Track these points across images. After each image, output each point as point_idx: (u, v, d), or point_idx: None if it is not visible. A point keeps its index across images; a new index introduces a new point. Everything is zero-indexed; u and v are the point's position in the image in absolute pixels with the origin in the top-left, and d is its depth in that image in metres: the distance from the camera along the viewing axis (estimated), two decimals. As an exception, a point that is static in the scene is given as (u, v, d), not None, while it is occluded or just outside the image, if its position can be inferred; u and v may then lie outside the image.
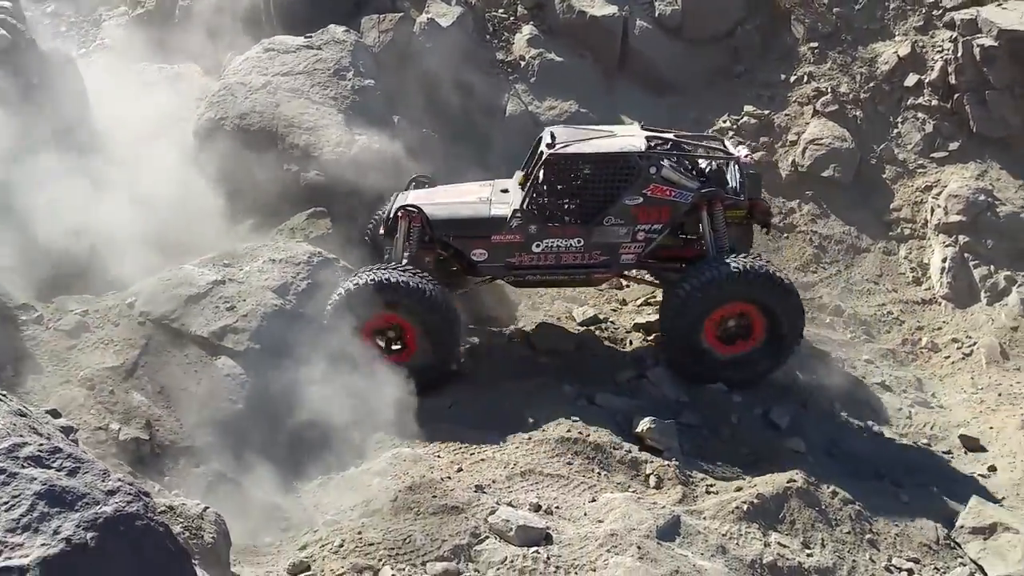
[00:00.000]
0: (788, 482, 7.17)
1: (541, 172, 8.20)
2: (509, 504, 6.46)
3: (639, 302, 10.02)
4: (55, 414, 5.56)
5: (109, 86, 11.81)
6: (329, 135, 10.27)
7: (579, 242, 8.22)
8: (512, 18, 12.30)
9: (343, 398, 7.25)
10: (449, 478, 6.77)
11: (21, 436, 4.10)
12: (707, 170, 8.63)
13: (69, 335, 7.72)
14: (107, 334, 7.75)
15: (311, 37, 11.41)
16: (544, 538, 6.23)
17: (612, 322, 9.62)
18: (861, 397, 8.96)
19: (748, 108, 11.49)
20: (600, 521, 6.45)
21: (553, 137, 8.31)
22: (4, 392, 4.57)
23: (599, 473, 7.11)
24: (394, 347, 8.16)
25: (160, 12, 14.29)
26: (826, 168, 10.99)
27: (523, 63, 11.92)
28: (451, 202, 8.62)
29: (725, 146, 8.91)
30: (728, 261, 7.90)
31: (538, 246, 8.24)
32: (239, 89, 10.92)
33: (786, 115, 11.49)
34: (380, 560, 5.83)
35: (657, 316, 8.81)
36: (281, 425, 7.37)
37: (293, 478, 7.06)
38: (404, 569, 5.77)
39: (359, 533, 6.05)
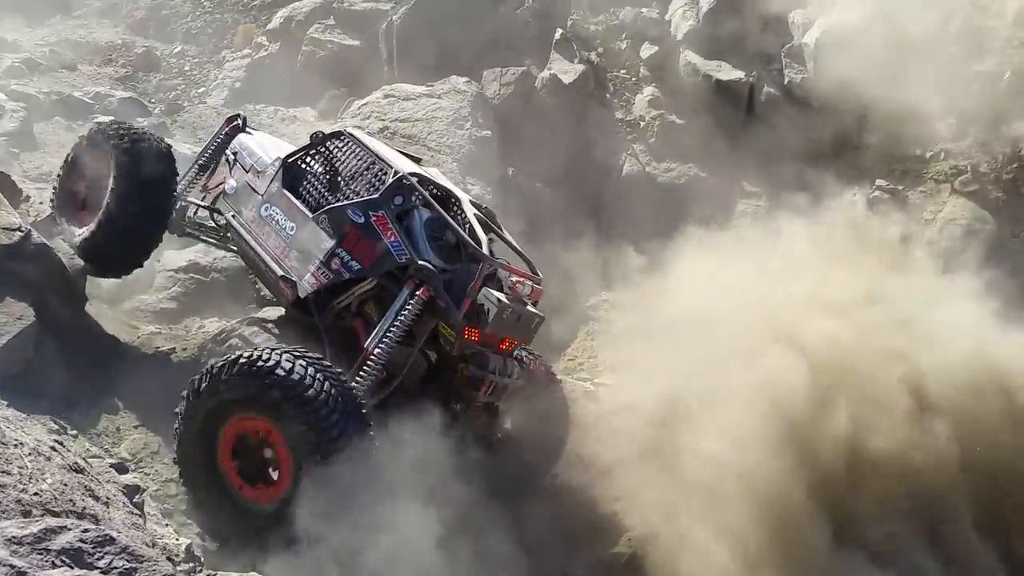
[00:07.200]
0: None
1: (321, 141, 6.91)
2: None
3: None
4: (121, 469, 5.07)
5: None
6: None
7: (292, 229, 6.61)
8: (634, 78, 12.08)
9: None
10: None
11: (61, 513, 3.05)
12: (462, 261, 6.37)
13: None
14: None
15: (432, 86, 11.40)
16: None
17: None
18: None
19: (880, 182, 10.91)
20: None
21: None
22: (60, 438, 4.12)
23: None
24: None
25: (283, 56, 14.58)
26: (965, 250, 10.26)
27: (643, 123, 11.64)
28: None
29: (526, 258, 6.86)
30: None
31: (267, 209, 6.81)
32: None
33: (921, 192, 10.84)
34: None
35: None
36: None
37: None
38: None
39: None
